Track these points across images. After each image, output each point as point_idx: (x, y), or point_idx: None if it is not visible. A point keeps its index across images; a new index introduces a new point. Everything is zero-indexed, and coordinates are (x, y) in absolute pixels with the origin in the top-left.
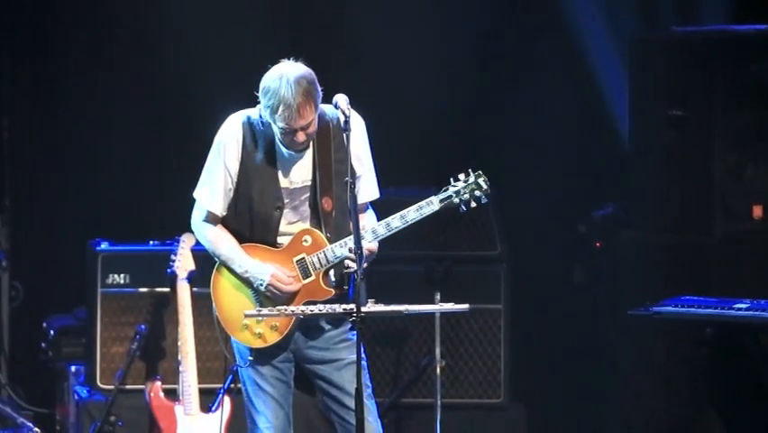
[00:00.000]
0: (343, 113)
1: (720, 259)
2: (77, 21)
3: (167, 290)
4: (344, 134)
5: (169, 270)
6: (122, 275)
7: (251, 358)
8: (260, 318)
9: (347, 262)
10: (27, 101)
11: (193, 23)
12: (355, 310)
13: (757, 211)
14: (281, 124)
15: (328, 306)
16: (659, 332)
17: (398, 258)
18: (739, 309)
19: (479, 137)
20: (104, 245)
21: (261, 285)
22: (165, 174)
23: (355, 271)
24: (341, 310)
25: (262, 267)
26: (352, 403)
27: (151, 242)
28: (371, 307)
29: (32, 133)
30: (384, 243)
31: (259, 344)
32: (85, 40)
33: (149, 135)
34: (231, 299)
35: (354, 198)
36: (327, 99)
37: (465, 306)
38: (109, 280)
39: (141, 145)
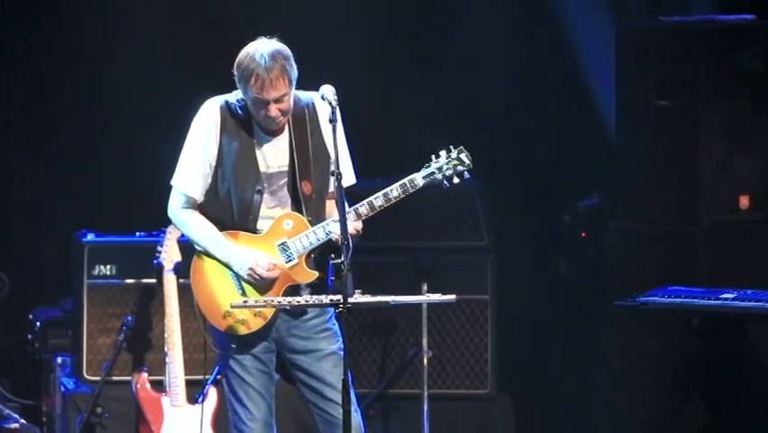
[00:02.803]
0: (330, 104)
1: (707, 249)
2: (63, 13)
3: (153, 281)
4: (331, 125)
5: (155, 261)
6: (108, 266)
7: (233, 346)
8: (238, 308)
9: (333, 241)
10: (13, 92)
11: (179, 11)
12: (342, 301)
13: (744, 201)
14: (253, 94)
15: (315, 297)
16: (646, 322)
17: (385, 249)
18: (726, 299)
19: (467, 128)
20: (90, 237)
21: (242, 270)
22: (151, 165)
23: (342, 262)
24: (327, 301)
25: (244, 253)
26: (331, 394)
27: (138, 233)
28: (358, 297)
29: (19, 124)
30: (371, 234)
31: (243, 331)
32: (72, 32)
33: (135, 127)
34: (211, 287)
35: (341, 188)
36: (313, 89)
37: (452, 296)
38: (95, 272)
39: (128, 136)
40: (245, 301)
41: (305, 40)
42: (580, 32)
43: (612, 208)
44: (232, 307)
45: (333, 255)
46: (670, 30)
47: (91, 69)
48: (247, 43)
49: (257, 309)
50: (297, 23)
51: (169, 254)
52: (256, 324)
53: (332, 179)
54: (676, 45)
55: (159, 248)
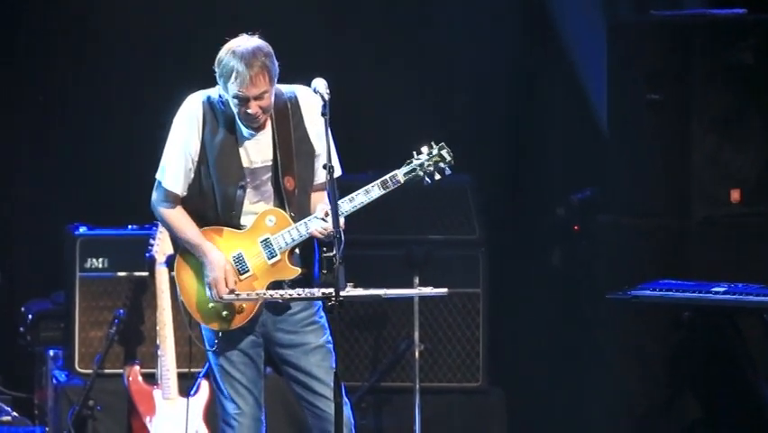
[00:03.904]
0: (322, 97)
1: (698, 243)
2: (56, 5)
3: (145, 274)
4: (323, 119)
5: (147, 254)
6: (100, 259)
7: (217, 341)
8: (227, 301)
9: (322, 235)
10: (5, 86)
11: (176, 6)
12: (334, 294)
13: (735, 195)
14: (234, 91)
15: (307, 290)
16: (637, 315)
17: (377, 242)
18: (717, 293)
19: (460, 121)
20: (82, 230)
21: (207, 278)
22: (143, 158)
23: (334, 256)
24: (320, 294)
25: (216, 261)
26: (319, 388)
27: (130, 226)
28: (350, 291)
29: (11, 117)
30: (364, 227)
31: (226, 326)
32: (65, 24)
33: (127, 119)
34: (195, 283)
35: (334, 182)
36: (305, 83)
37: (444, 290)
38: (87, 265)
39: (121, 129)
40: (237, 295)
41: (302, 31)
42: (573, 25)
43: (605, 202)
44: (224, 300)
45: (325, 249)
46: (661, 24)
47: (83, 63)
48: (228, 40)
49: (240, 305)
50: (294, 17)
51: (162, 248)
52: (240, 319)
53: (319, 172)
54: (668, 39)
55: (151, 241)
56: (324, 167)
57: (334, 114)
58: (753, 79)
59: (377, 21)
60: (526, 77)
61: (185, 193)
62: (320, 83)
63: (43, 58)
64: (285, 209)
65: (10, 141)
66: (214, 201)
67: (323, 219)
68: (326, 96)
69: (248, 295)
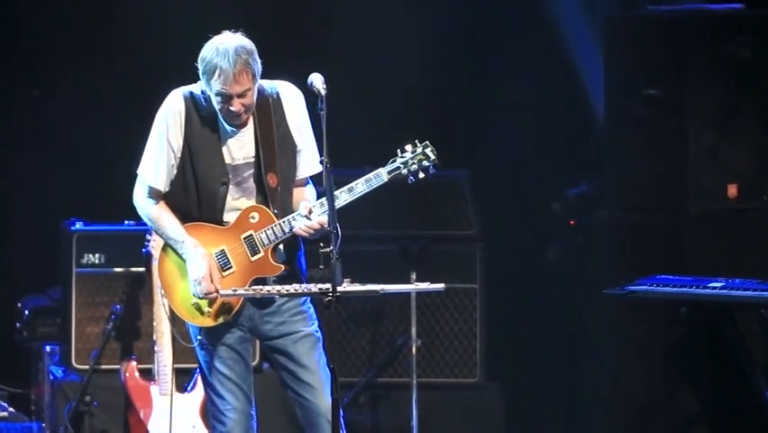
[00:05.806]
0: (319, 92)
1: (695, 238)
2: (56, 4)
3: (142, 269)
4: (320, 114)
5: (144, 250)
6: (97, 255)
7: (200, 338)
8: (225, 297)
9: (306, 233)
10: (3, 82)
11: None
12: (331, 290)
13: (732, 190)
14: (217, 88)
15: (303, 285)
16: (634, 311)
17: (374, 237)
18: (714, 288)
19: (455, 116)
20: (78, 225)
21: (190, 276)
22: (141, 153)
23: (331, 251)
24: (316, 290)
25: (200, 257)
26: (306, 377)
27: (126, 222)
28: (347, 286)
29: (6, 112)
30: (360, 222)
31: (209, 323)
32: (59, 17)
33: (123, 114)
34: (178, 280)
35: (330, 177)
36: (303, 78)
37: (441, 285)
38: (84, 260)
39: (116, 124)
40: (235, 290)
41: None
42: (569, 19)
43: (601, 197)
44: (221, 295)
45: (321, 244)
46: (658, 19)
47: (80, 60)
48: (211, 37)
49: (225, 301)
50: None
51: (158, 243)
52: (224, 316)
53: (300, 168)
54: (664, 34)
55: (147, 237)
56: (321, 162)
57: (329, 108)
58: (750, 74)
59: (373, 18)
60: (523, 72)
61: (167, 189)
62: (316, 78)
63: (41, 54)
64: (268, 206)
65: (7, 136)
66: (196, 197)
67: (306, 217)
68: (323, 92)
69: (246, 291)
